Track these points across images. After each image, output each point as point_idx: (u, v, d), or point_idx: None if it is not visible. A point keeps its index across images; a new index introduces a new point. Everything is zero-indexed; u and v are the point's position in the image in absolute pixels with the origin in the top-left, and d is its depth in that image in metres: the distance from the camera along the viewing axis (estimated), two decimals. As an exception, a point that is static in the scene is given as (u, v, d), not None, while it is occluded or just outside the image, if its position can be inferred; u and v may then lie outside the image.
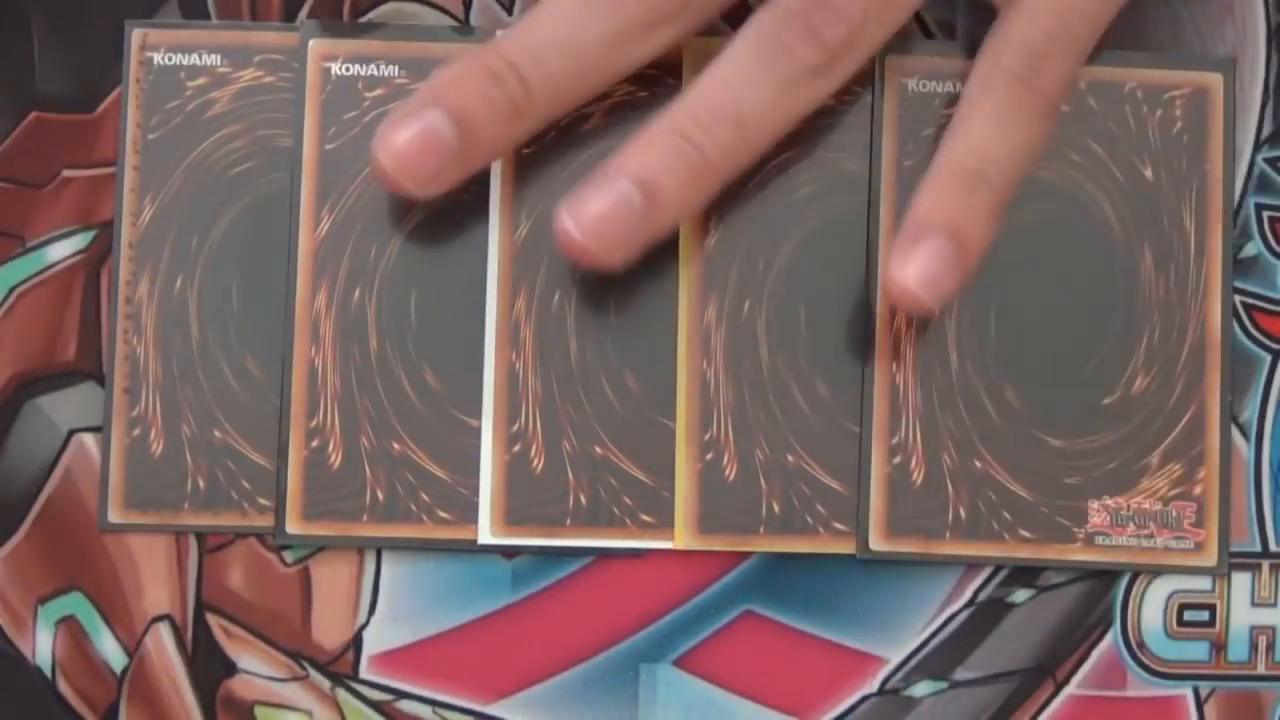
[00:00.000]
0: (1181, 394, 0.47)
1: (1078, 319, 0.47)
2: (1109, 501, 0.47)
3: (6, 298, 0.48)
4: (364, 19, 0.48)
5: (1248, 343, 0.48)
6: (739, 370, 0.47)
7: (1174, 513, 0.47)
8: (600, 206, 0.42)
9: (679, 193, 0.43)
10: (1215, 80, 0.48)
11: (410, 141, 0.42)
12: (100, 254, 0.48)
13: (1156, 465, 0.47)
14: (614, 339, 0.47)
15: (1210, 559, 0.47)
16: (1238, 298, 0.48)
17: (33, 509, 0.48)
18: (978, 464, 0.47)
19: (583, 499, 0.47)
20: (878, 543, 0.47)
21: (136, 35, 0.48)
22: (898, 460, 0.47)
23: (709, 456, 0.47)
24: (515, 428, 0.47)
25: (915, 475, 0.47)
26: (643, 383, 0.47)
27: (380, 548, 0.47)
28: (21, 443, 0.48)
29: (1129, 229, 0.47)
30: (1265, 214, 0.48)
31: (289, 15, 0.48)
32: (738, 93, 0.43)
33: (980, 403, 0.47)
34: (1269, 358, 0.48)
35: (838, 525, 0.47)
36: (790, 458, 0.47)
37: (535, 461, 0.47)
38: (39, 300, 0.48)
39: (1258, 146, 0.48)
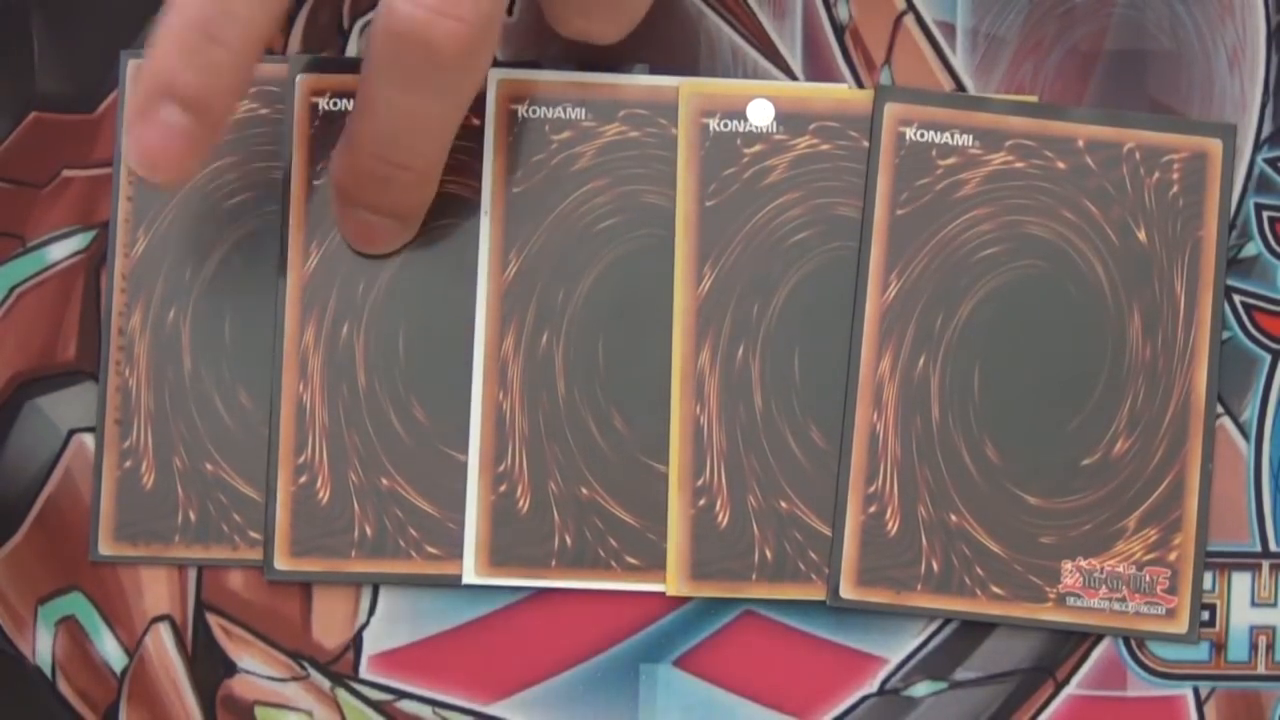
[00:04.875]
0: (1162, 459, 0.47)
1: (1062, 377, 0.47)
2: (1083, 563, 0.47)
3: (6, 298, 0.48)
4: (364, 20, 0.48)
5: (1248, 343, 0.48)
6: (732, 416, 0.47)
7: (1147, 577, 0.47)
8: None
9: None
10: (1214, 145, 0.47)
11: (156, 141, 0.41)
12: (100, 254, 0.48)
13: (1133, 529, 0.47)
14: (602, 380, 0.47)
15: (1181, 626, 0.47)
16: (1238, 297, 0.48)
17: (33, 509, 0.48)
18: (953, 518, 0.47)
19: (568, 540, 0.47)
20: (848, 591, 0.47)
21: (131, 66, 0.48)
22: (873, 509, 0.47)
23: (701, 502, 0.47)
24: (501, 468, 0.47)
25: (890, 525, 0.47)
26: (630, 424, 0.47)
27: (369, 583, 0.47)
28: (21, 443, 0.48)
29: (1119, 290, 0.47)
30: (1265, 214, 0.48)
31: (290, 16, 0.48)
32: None
33: (959, 456, 0.47)
34: (1269, 358, 0.48)
35: (829, 572, 0.47)
36: (783, 504, 0.47)
37: (521, 502, 0.47)
38: (39, 300, 0.48)
39: (1258, 146, 0.48)
